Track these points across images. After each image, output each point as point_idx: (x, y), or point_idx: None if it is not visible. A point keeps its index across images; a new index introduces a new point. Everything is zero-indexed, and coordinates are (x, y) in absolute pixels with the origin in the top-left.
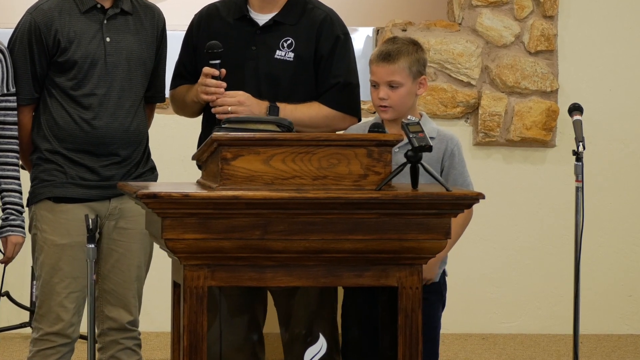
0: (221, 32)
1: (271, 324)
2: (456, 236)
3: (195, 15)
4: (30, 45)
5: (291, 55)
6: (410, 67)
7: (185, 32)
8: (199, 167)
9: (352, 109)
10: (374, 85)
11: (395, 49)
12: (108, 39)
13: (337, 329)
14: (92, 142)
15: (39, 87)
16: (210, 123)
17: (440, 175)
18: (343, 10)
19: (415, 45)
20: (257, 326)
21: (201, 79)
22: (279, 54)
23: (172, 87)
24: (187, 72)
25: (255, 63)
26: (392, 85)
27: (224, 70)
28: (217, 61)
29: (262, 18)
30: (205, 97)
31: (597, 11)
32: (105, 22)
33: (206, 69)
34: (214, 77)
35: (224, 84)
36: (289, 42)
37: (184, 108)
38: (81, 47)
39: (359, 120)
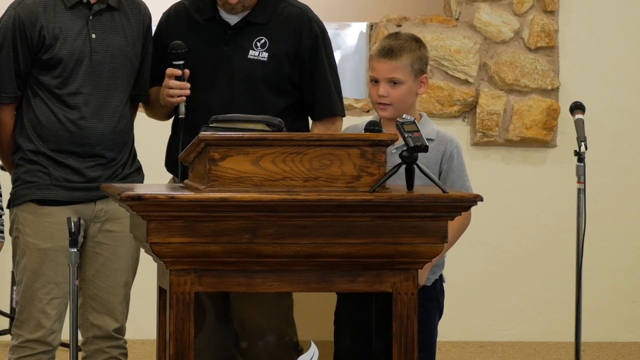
0: (191, 32)
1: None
2: (451, 241)
3: (163, 14)
4: (14, 42)
5: (265, 55)
6: (413, 64)
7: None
8: (168, 169)
9: (342, 109)
10: (374, 81)
11: (398, 45)
12: (94, 36)
13: (294, 329)
14: (77, 142)
15: (22, 85)
16: (179, 126)
17: (439, 179)
18: (336, 5)
19: (418, 42)
20: (233, 335)
21: (165, 82)
22: (252, 53)
23: None
24: (157, 73)
25: (228, 64)
26: (393, 82)
27: (187, 71)
28: (181, 62)
29: (232, 18)
30: (170, 100)
31: (600, 6)
32: (90, 18)
33: (169, 70)
34: (177, 78)
35: (188, 85)
36: (262, 41)
37: (154, 111)
38: (66, 44)
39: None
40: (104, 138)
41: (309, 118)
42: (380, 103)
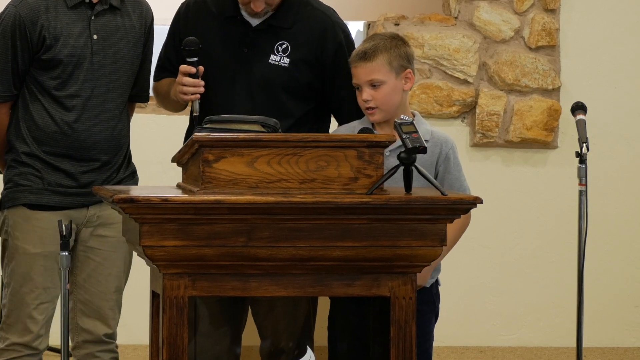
0: (210, 29)
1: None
2: (451, 243)
3: (182, 5)
4: (13, 40)
5: (286, 60)
6: (390, 62)
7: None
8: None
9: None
10: (357, 87)
11: (372, 47)
12: (95, 37)
13: (312, 341)
14: (72, 146)
15: (19, 84)
16: (194, 124)
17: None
18: (332, 3)
19: (395, 39)
20: (237, 338)
21: (178, 78)
22: (273, 58)
23: (156, 79)
24: (172, 65)
25: (247, 67)
26: (373, 85)
27: (201, 68)
28: (195, 59)
29: (254, 20)
30: (184, 97)
31: (602, 4)
32: (92, 18)
33: (183, 67)
34: (191, 75)
35: (202, 83)
36: (284, 46)
37: (166, 103)
38: (67, 44)
39: None
40: (100, 142)
41: (331, 119)
42: (367, 108)
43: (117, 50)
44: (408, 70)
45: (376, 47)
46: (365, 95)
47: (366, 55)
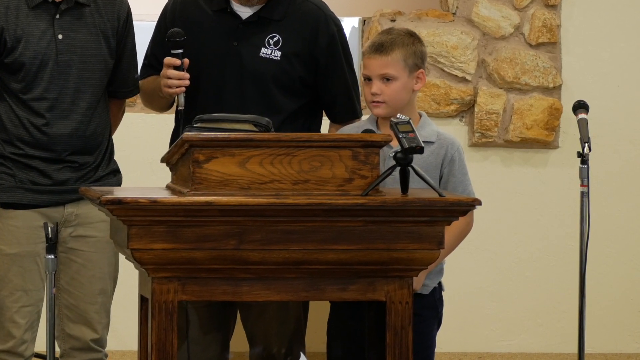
0: (199, 23)
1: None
2: (450, 247)
3: (170, 0)
4: None
5: (278, 53)
6: (406, 59)
7: (156, 21)
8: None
9: (360, 110)
10: (367, 79)
11: (389, 40)
12: (60, 36)
13: (304, 346)
14: (43, 148)
15: None
16: (179, 119)
17: (440, 183)
18: None
19: (412, 36)
20: (226, 344)
21: (163, 71)
22: (264, 51)
23: (141, 77)
24: (159, 63)
25: (237, 60)
26: (385, 79)
27: (186, 60)
28: (180, 50)
29: (244, 12)
30: (168, 90)
31: (604, 0)
32: (57, 17)
33: (167, 60)
34: (175, 68)
35: (187, 75)
36: (275, 39)
37: (152, 101)
38: (29, 46)
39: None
40: (71, 144)
41: (324, 117)
42: (373, 101)
43: (86, 48)
44: (421, 70)
45: (394, 41)
46: (375, 89)
47: (383, 48)
